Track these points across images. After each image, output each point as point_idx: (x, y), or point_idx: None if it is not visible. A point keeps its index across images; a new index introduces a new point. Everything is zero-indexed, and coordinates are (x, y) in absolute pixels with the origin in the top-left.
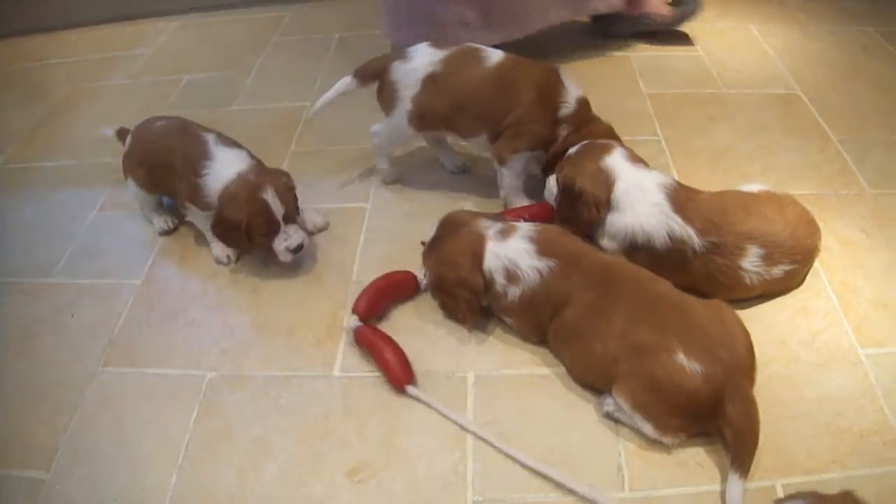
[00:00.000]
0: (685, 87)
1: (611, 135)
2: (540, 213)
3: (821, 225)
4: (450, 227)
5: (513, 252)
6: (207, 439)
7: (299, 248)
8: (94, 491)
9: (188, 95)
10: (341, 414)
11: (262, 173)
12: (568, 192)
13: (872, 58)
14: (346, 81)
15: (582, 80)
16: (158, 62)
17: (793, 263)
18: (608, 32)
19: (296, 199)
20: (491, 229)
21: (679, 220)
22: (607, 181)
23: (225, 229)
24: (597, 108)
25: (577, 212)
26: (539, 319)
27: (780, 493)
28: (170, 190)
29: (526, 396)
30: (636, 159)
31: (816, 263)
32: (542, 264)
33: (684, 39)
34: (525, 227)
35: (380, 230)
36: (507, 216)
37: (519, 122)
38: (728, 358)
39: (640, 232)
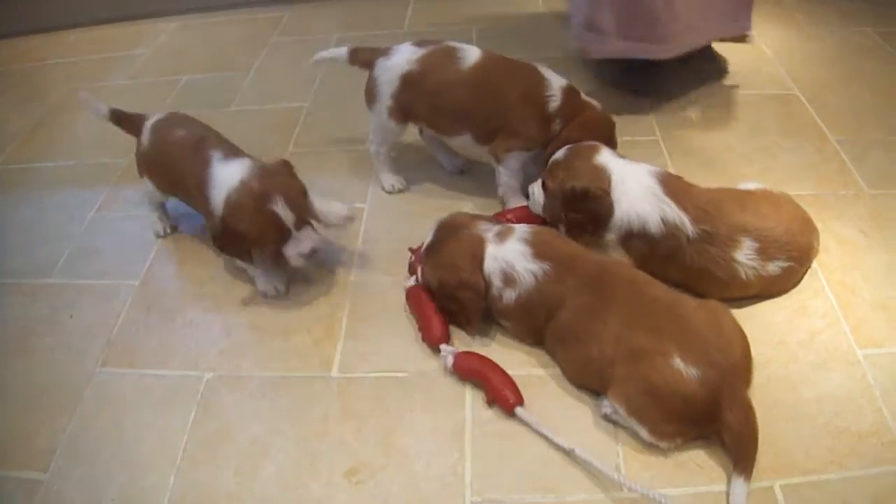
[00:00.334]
0: (682, 88)
1: (606, 120)
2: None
3: (819, 225)
4: (448, 230)
5: (509, 254)
6: (205, 440)
7: (313, 252)
8: (92, 492)
9: (187, 96)
10: (339, 414)
11: (266, 178)
12: (571, 196)
13: (870, 58)
14: (341, 51)
15: (581, 81)
16: (157, 63)
17: (788, 260)
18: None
19: (307, 199)
20: (489, 232)
21: (672, 204)
22: (605, 175)
23: (230, 242)
24: None
25: (588, 212)
26: (534, 322)
27: (779, 494)
28: (188, 201)
29: (524, 397)
30: (621, 156)
31: (815, 264)
32: (537, 267)
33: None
34: (520, 229)
35: (377, 231)
36: (503, 217)
37: (508, 124)
38: (725, 362)
39: (636, 218)
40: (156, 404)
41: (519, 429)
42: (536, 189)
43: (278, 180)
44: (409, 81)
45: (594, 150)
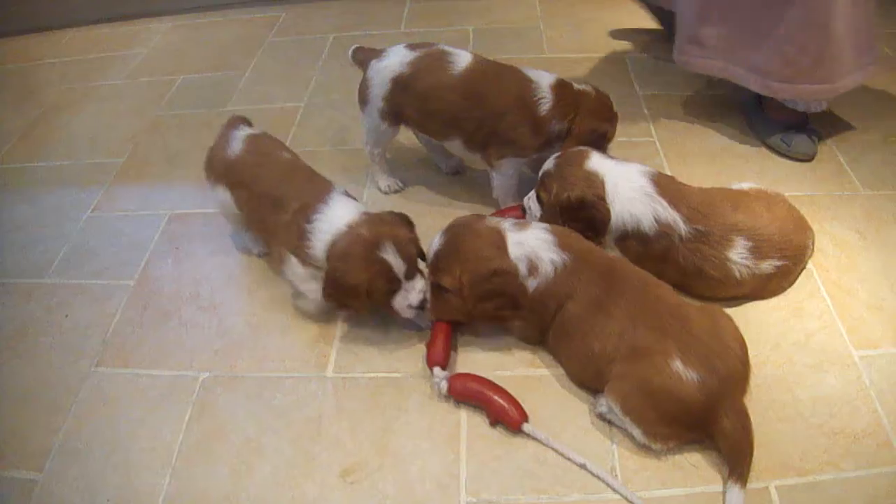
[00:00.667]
0: (679, 89)
1: (604, 100)
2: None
3: (815, 226)
4: (460, 230)
5: (534, 241)
6: (200, 440)
7: (423, 303)
8: (87, 492)
9: (183, 96)
10: (334, 415)
11: (375, 225)
12: (567, 206)
13: None
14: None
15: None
16: (153, 62)
17: (782, 259)
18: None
19: (418, 247)
20: (504, 223)
21: (664, 203)
22: (598, 180)
23: (339, 293)
24: None
25: (586, 219)
26: (544, 316)
27: (774, 495)
28: (262, 227)
29: (519, 398)
30: (611, 157)
31: (810, 265)
32: (559, 257)
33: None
34: (538, 223)
35: None
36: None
37: (500, 132)
38: (724, 368)
39: (629, 218)
40: (151, 404)
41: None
42: (532, 203)
43: (387, 224)
44: (399, 84)
45: (584, 156)
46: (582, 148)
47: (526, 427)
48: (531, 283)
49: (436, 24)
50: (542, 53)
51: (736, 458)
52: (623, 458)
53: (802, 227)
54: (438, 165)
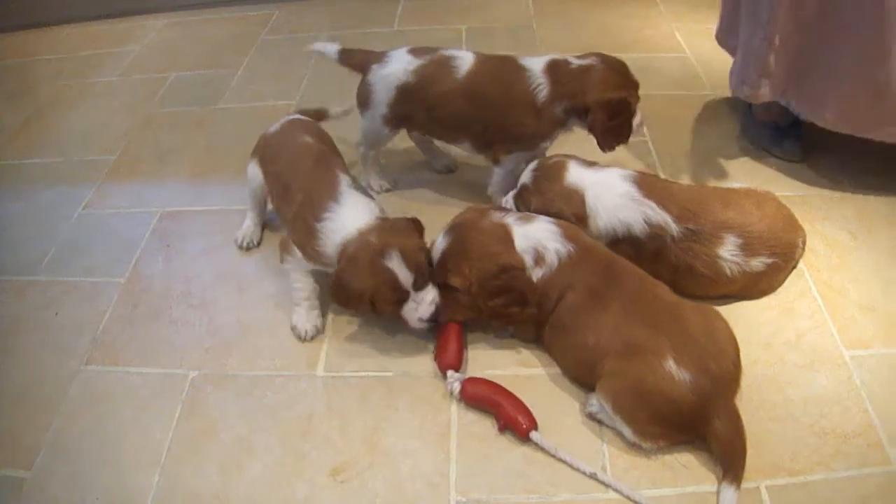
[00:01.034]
0: (672, 89)
1: (617, 72)
2: None
3: (806, 227)
4: (464, 228)
5: (540, 233)
6: (190, 438)
7: (434, 316)
8: (77, 490)
9: (175, 93)
10: (325, 413)
11: (385, 233)
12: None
13: None
14: (332, 49)
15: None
16: (146, 59)
17: (772, 256)
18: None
19: (428, 258)
20: (508, 217)
21: (653, 205)
22: (577, 195)
23: (345, 296)
24: None
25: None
26: (543, 309)
27: (765, 495)
28: (281, 213)
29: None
30: (590, 164)
31: (802, 264)
32: (564, 248)
33: (671, 41)
34: (541, 216)
35: None
36: None
37: (506, 129)
38: (717, 370)
39: (619, 224)
40: (141, 402)
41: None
42: (511, 205)
43: (397, 232)
44: (405, 92)
45: (562, 168)
46: (560, 159)
47: (534, 436)
48: (536, 275)
49: (429, 22)
50: (536, 52)
51: (730, 459)
52: (613, 458)
53: (792, 225)
54: (431, 164)
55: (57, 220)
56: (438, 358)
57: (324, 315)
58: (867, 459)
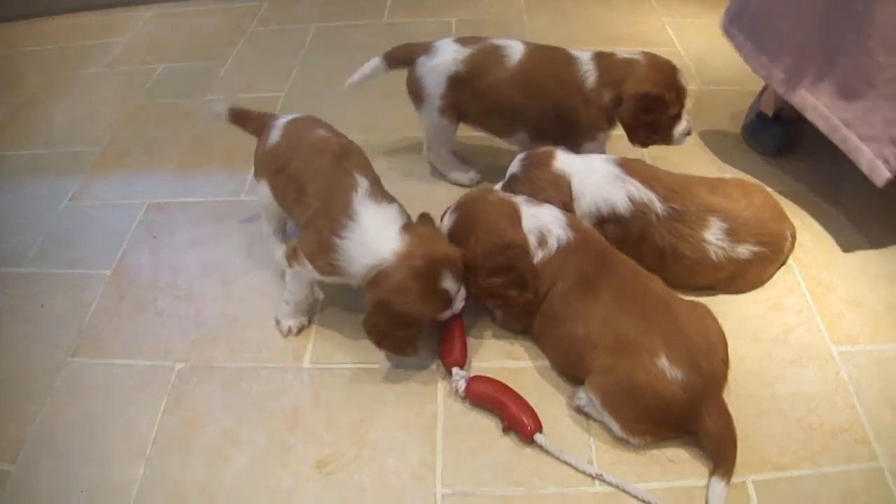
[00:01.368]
0: None
1: (661, 70)
2: None
3: (796, 222)
4: (472, 203)
5: (547, 217)
6: (176, 431)
7: (462, 308)
8: (62, 483)
9: (163, 85)
10: (311, 405)
11: (427, 252)
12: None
13: None
14: (374, 62)
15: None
16: (134, 51)
17: (759, 245)
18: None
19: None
20: (517, 197)
21: (637, 183)
22: (565, 182)
23: (390, 323)
24: None
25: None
26: (537, 293)
27: (751, 489)
28: (294, 216)
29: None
30: (577, 155)
31: (790, 260)
32: (565, 235)
33: (662, 35)
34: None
35: None
36: None
37: (558, 118)
38: (708, 368)
39: (603, 203)
40: (126, 394)
41: (490, 422)
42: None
43: (439, 250)
44: (457, 81)
45: (549, 157)
46: (547, 149)
47: (538, 438)
48: (537, 256)
49: (418, 14)
50: None
51: (720, 455)
52: (600, 452)
53: (780, 216)
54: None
55: (43, 211)
56: (444, 355)
57: (310, 320)
58: (854, 455)
